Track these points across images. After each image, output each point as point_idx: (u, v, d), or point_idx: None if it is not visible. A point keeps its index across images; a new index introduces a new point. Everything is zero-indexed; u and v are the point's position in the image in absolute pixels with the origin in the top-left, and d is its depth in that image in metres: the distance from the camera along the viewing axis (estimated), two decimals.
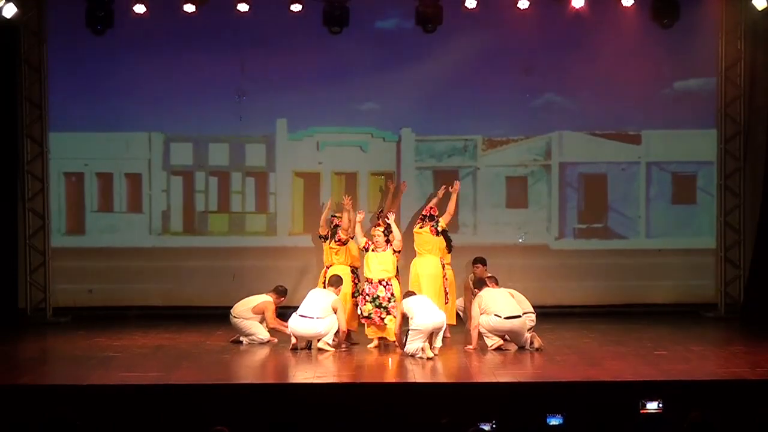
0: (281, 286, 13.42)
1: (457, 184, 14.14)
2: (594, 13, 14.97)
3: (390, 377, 11.61)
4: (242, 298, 13.36)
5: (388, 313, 12.64)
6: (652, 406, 9.66)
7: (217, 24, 15.01)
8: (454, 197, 13.92)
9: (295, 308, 12.81)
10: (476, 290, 12.87)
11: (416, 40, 15.14)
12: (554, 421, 9.30)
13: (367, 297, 12.76)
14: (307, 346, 12.66)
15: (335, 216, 13.79)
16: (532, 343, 12.45)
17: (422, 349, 11.99)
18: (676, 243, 15.61)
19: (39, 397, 10.21)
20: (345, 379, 11.30)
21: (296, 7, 14.78)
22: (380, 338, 12.82)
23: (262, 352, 12.74)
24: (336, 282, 12.96)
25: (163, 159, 15.50)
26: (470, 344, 12.51)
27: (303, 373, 11.50)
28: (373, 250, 12.85)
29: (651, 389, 10.01)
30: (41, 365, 12.39)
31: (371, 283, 12.76)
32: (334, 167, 15.50)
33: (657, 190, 15.63)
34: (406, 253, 13.62)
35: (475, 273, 13.71)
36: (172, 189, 15.54)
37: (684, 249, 15.61)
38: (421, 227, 13.57)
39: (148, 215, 15.54)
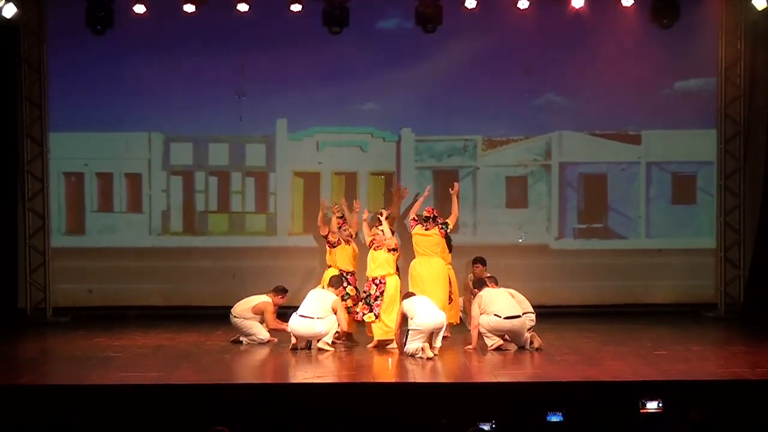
0: (281, 286, 13.42)
1: (456, 186, 14.13)
2: (594, 13, 14.98)
3: (390, 377, 11.60)
4: (242, 298, 13.36)
5: (371, 310, 12.70)
6: (652, 405, 9.65)
7: (217, 24, 15.00)
8: (455, 199, 13.92)
9: (296, 308, 12.81)
10: (476, 290, 12.87)
11: (416, 40, 15.13)
12: (554, 418, 9.30)
13: (362, 293, 12.93)
14: (307, 346, 12.66)
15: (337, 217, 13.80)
16: (531, 342, 12.45)
17: (422, 349, 11.99)
18: (676, 243, 15.61)
19: (39, 397, 10.21)
20: (345, 379, 11.30)
21: (296, 7, 14.78)
22: (380, 340, 12.83)
23: (262, 352, 12.74)
24: (336, 282, 12.99)
25: (163, 159, 15.51)
26: (470, 344, 12.51)
27: (303, 373, 11.50)
28: (375, 249, 12.94)
29: (651, 389, 10.00)
30: (41, 365, 12.38)
31: (368, 280, 12.89)
32: (334, 167, 15.51)
33: (657, 190, 15.63)
34: (406, 254, 13.61)
35: (475, 273, 13.70)
36: (172, 189, 15.54)
37: (684, 249, 15.61)
38: (426, 229, 13.45)
39: (148, 215, 15.54)
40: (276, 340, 13.10)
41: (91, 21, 14.87)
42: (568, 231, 15.64)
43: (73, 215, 15.52)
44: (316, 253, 14.89)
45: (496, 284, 12.91)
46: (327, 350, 12.50)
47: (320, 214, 14.04)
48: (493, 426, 8.83)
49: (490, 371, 11.54)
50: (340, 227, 13.50)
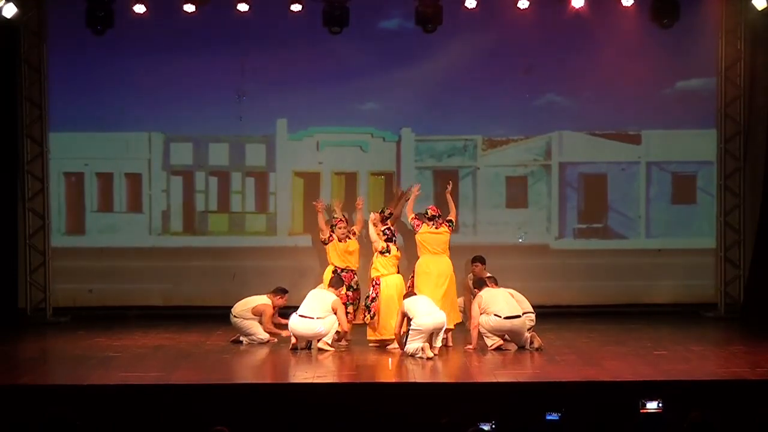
0: (281, 288, 13.42)
1: (450, 185, 14.12)
2: (594, 13, 14.97)
3: (390, 377, 11.60)
4: (242, 299, 13.36)
5: (368, 312, 12.82)
6: (652, 405, 9.65)
7: (217, 24, 15.00)
8: (450, 198, 13.92)
9: (296, 308, 12.81)
10: (476, 290, 12.87)
11: (416, 40, 15.13)
12: (551, 417, 9.31)
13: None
14: (307, 346, 12.66)
15: (335, 217, 13.82)
16: (531, 342, 12.46)
17: (422, 349, 11.99)
18: (676, 243, 15.61)
19: (39, 397, 10.21)
20: (345, 379, 11.30)
21: (296, 7, 14.78)
22: (380, 340, 12.83)
23: (262, 352, 12.74)
24: (336, 283, 13.00)
25: (163, 159, 15.51)
26: (470, 344, 12.51)
27: (303, 373, 11.49)
28: (374, 250, 12.99)
29: (651, 389, 10.00)
30: (41, 365, 12.39)
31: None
32: (334, 167, 15.51)
33: (657, 190, 15.63)
34: (407, 254, 13.59)
35: (474, 272, 13.70)
36: (172, 189, 15.54)
37: (684, 249, 15.61)
38: (437, 227, 13.43)
39: (148, 215, 15.54)
40: (276, 340, 13.11)
41: (92, 21, 14.86)
42: (568, 231, 15.64)
43: (73, 215, 15.52)
44: (316, 253, 14.88)
45: (496, 284, 12.92)
46: (327, 350, 12.50)
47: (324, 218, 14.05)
48: (493, 426, 8.82)
49: (490, 371, 11.53)
50: (335, 225, 13.50)
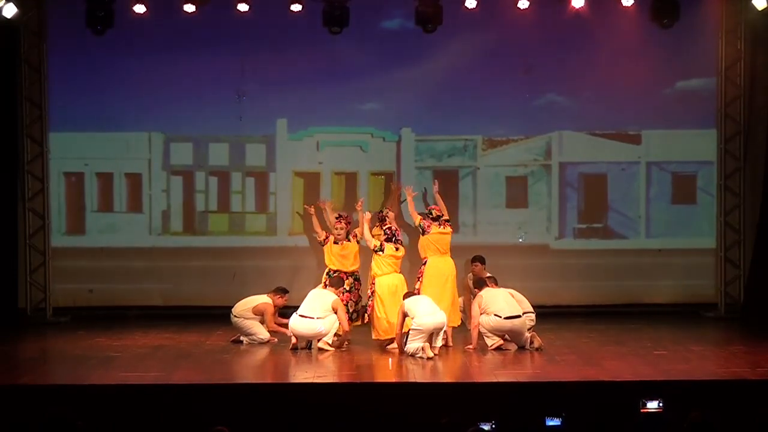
0: (282, 287, 13.43)
1: (436, 184, 14.10)
2: (594, 13, 14.97)
3: (390, 377, 11.60)
4: (242, 298, 13.36)
5: (366, 313, 12.90)
6: (653, 405, 9.65)
7: (217, 24, 15.00)
8: (438, 197, 13.94)
9: (296, 308, 12.81)
10: (476, 290, 12.87)
11: (416, 40, 15.12)
12: (552, 423, 9.29)
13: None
14: (307, 346, 12.67)
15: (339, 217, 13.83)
16: (532, 342, 12.46)
17: (422, 349, 11.99)
18: (676, 243, 15.61)
19: (39, 397, 10.21)
20: (345, 379, 11.30)
21: (296, 7, 14.78)
22: (379, 340, 12.84)
23: (262, 352, 12.74)
24: (337, 283, 13.00)
25: (163, 159, 15.50)
26: (470, 344, 12.50)
27: (303, 373, 11.49)
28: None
29: (651, 389, 10.00)
30: (41, 365, 12.38)
31: None
32: (334, 167, 15.51)
33: (657, 190, 15.63)
34: (407, 255, 13.60)
35: (474, 272, 13.71)
36: (172, 189, 15.54)
37: (684, 249, 15.60)
38: (444, 228, 13.44)
39: (148, 215, 15.54)
40: (276, 339, 13.11)
41: (92, 21, 14.86)
42: (568, 231, 15.64)
43: (73, 215, 15.52)
44: (316, 253, 14.87)
45: (496, 284, 12.92)
46: (327, 350, 12.50)
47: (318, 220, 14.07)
48: (493, 426, 8.82)
49: (491, 371, 11.54)
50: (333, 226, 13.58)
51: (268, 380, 11.55)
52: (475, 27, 15.10)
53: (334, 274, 13.28)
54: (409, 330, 12.16)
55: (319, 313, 12.56)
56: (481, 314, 12.43)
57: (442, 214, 13.48)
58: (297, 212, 15.28)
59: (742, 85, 15.35)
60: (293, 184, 15.52)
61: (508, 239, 15.53)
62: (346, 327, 12.81)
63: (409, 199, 13.81)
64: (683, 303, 15.49)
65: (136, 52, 15.11)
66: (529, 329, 12.57)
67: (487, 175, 15.54)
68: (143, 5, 14.70)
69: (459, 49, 15.19)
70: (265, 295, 13.32)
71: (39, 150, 15.27)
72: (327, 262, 13.50)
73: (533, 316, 12.89)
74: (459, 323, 13.32)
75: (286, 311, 13.20)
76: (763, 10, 14.52)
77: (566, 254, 15.57)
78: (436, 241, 13.30)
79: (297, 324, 12.58)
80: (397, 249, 12.95)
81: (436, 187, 14.16)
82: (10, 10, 14.25)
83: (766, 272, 14.91)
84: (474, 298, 12.76)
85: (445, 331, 12.41)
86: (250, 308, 13.15)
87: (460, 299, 13.84)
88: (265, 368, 12.26)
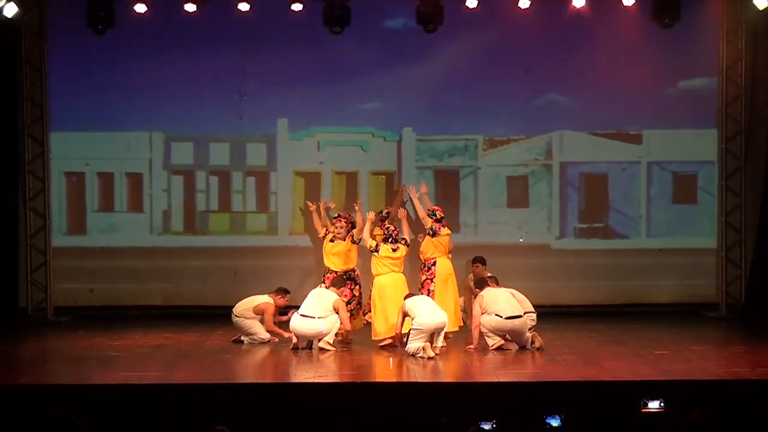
0: (283, 288, 13.42)
1: (423, 185, 14.12)
2: (595, 12, 14.97)
3: (390, 377, 11.60)
4: (243, 298, 13.36)
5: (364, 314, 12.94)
6: (654, 405, 9.64)
7: (218, 24, 15.00)
8: (426, 198, 13.94)
9: (296, 308, 12.81)
10: (477, 290, 12.88)
11: (417, 40, 15.13)
12: (554, 422, 9.28)
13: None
14: (307, 345, 12.66)
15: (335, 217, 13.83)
16: (533, 342, 12.46)
17: (423, 349, 11.99)
18: (677, 243, 15.60)
19: (39, 397, 10.21)
20: (345, 379, 11.30)
21: (297, 7, 14.79)
22: (379, 340, 12.85)
23: (262, 352, 12.74)
24: (338, 283, 13.00)
25: (164, 158, 15.51)
26: (471, 344, 12.50)
27: (303, 373, 11.49)
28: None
29: (651, 389, 9.98)
30: (41, 365, 12.39)
31: None
32: (335, 167, 15.51)
33: (658, 190, 15.62)
34: (411, 256, 13.59)
35: (475, 272, 13.72)
36: (173, 188, 15.54)
37: (685, 249, 15.60)
38: (446, 229, 13.42)
39: (148, 215, 15.55)
40: (277, 339, 13.11)
41: (92, 21, 14.87)
42: (569, 231, 15.64)
43: (74, 215, 15.52)
44: (317, 253, 14.87)
45: (497, 284, 12.92)
46: (328, 350, 12.50)
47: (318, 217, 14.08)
48: (494, 426, 8.81)
49: (491, 371, 11.54)
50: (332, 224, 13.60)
51: (269, 380, 11.54)
52: (476, 27, 15.10)
53: (329, 274, 13.28)
54: (410, 330, 12.16)
55: (319, 312, 12.56)
56: (482, 314, 12.43)
57: (444, 216, 13.50)
58: (299, 207, 15.26)
59: (743, 85, 15.35)
60: (294, 183, 15.53)
61: (509, 239, 15.53)
62: (348, 327, 12.82)
63: (414, 200, 13.80)
64: (684, 303, 15.48)
65: (136, 51, 15.11)
66: (530, 329, 12.57)
67: (488, 175, 15.53)
68: (144, 5, 14.70)
69: (460, 49, 15.19)
70: (266, 296, 13.32)
71: (40, 150, 15.27)
72: (324, 262, 13.50)
73: (534, 316, 12.88)
74: (457, 329, 13.28)
75: (286, 310, 13.19)
76: (764, 9, 14.51)
77: (567, 254, 15.57)
78: (443, 243, 13.34)
79: (298, 323, 12.58)
80: (394, 250, 12.91)
81: (426, 189, 14.11)
82: (11, 10, 14.25)
83: (767, 272, 14.90)
84: (475, 298, 12.76)
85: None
86: (251, 308, 13.15)
87: (461, 299, 13.86)
88: (266, 368, 12.26)
